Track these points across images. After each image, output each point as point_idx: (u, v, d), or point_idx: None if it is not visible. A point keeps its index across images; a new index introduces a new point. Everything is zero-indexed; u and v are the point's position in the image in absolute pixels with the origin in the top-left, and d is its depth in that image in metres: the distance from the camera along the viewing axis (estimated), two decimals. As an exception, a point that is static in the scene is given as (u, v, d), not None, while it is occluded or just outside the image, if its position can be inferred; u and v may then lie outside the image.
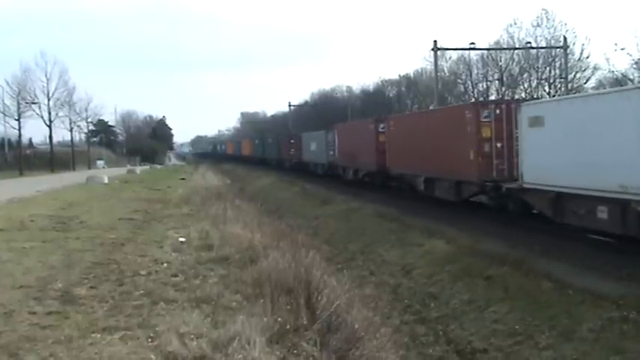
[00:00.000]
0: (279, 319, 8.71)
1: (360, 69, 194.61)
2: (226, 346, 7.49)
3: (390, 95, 77.54)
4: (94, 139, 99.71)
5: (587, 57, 46.62)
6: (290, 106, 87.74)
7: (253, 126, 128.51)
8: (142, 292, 10.27)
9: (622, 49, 40.44)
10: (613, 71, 44.07)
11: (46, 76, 70.31)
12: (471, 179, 21.31)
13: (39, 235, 16.69)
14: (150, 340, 7.77)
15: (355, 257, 19.97)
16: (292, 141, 57.72)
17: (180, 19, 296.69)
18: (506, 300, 12.21)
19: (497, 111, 20.73)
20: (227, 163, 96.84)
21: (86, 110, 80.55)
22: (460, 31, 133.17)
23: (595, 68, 46.24)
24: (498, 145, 20.42)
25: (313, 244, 16.91)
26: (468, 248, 16.15)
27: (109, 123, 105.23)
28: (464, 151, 21.30)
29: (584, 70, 46.85)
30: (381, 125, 31.89)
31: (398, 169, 29.61)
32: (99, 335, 7.91)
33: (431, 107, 49.21)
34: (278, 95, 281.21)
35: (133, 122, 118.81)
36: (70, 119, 77.05)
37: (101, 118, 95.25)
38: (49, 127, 72.07)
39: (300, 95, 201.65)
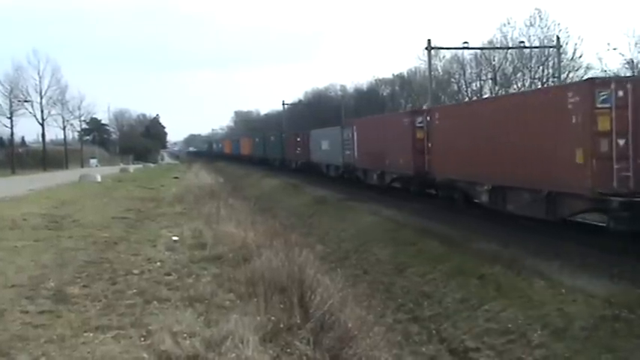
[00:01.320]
0: (273, 317, 8.72)
1: (353, 68, 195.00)
2: (219, 344, 7.50)
3: (384, 94, 77.56)
4: (87, 137, 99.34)
5: (580, 56, 46.87)
6: (284, 104, 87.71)
7: (247, 125, 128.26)
8: (134, 291, 10.26)
9: (614, 48, 40.66)
10: (605, 71, 44.25)
11: (38, 74, 70.28)
12: (577, 190, 14.76)
13: (31, 233, 16.64)
14: (143, 339, 7.77)
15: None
16: (299, 139, 50.68)
17: (174, 18, 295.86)
18: (498, 298, 12.25)
19: (621, 92, 14.11)
20: (224, 162, 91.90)
21: (79, 109, 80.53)
22: (454, 31, 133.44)
23: (588, 68, 46.41)
24: (621, 142, 14.12)
25: (307, 244, 16.90)
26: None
27: (102, 121, 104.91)
28: (564, 151, 15.07)
29: (577, 69, 47.05)
30: (419, 119, 25.50)
31: (445, 173, 22.51)
32: (91, 334, 7.90)
33: (424, 107, 48.89)
34: (272, 94, 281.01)
35: (126, 121, 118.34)
36: (63, 117, 76.98)
37: (94, 116, 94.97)
38: (42, 125, 72.04)
39: (294, 94, 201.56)
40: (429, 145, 24.12)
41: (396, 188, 29.12)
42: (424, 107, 42.05)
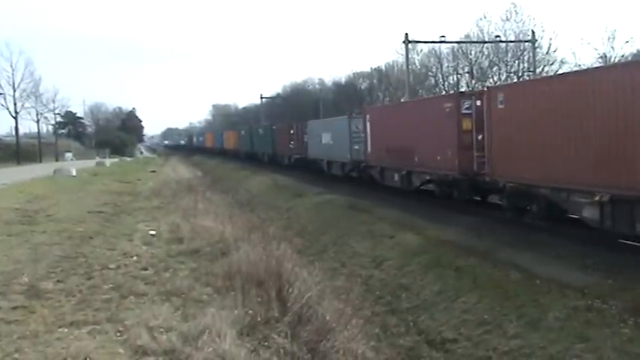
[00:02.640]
0: (250, 311, 8.72)
1: (332, 62, 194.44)
2: (196, 339, 7.49)
3: (362, 88, 77.60)
4: (62, 130, 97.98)
5: (555, 51, 47.23)
6: (262, 98, 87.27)
7: (226, 119, 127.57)
8: (110, 285, 10.20)
9: (588, 43, 41.13)
10: (580, 65, 44.80)
11: (11, 66, 68.98)
12: None
13: (4, 228, 16.42)
14: (119, 334, 7.73)
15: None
16: (292, 131, 44.36)
17: (149, 10, 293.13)
18: (475, 290, 12.35)
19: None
20: (205, 157, 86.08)
21: (53, 102, 79.39)
22: (431, 25, 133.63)
23: (562, 62, 46.89)
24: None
25: (285, 236, 16.88)
26: None
27: (78, 114, 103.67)
28: None
29: (552, 63, 47.42)
30: (466, 103, 19.44)
31: (515, 175, 16.58)
32: (66, 330, 7.84)
33: (402, 100, 48.91)
34: (249, 88, 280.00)
35: (102, 114, 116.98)
36: (37, 111, 75.76)
37: (69, 109, 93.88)
38: (15, 118, 70.82)
39: (272, 88, 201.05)
40: (481, 137, 18.46)
41: (425, 192, 23.75)
42: (402, 100, 40.92)
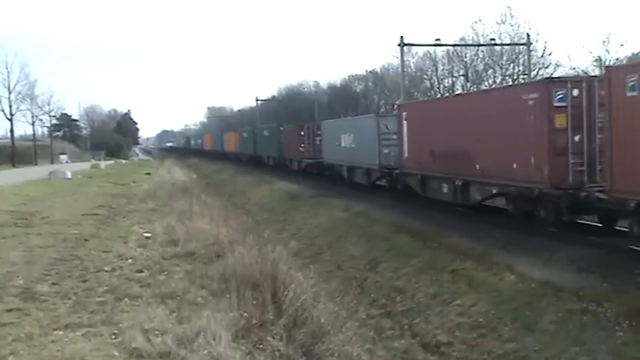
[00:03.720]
0: (245, 314, 8.72)
1: (327, 64, 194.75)
2: (191, 341, 7.47)
3: (357, 90, 77.66)
4: (57, 133, 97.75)
5: (550, 54, 47.39)
6: (257, 100, 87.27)
7: (221, 121, 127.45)
8: (105, 288, 10.16)
9: (583, 46, 41.31)
10: (574, 68, 44.94)
11: (6, 68, 68.77)
12: None
13: (-1, 230, 16.34)
14: (113, 336, 7.70)
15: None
16: (303, 133, 40.49)
17: (142, 11, 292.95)
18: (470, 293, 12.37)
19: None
20: (203, 160, 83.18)
21: (48, 104, 79.31)
22: (426, 28, 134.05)
23: (557, 65, 47.07)
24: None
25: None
26: None
27: (73, 117, 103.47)
28: None
29: (547, 66, 47.60)
30: (559, 93, 15.07)
31: None
32: (61, 332, 7.81)
33: (398, 101, 48.98)
34: (245, 90, 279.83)
35: (97, 116, 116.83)
36: (32, 113, 75.63)
37: (64, 112, 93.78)
38: (10, 120, 70.67)
39: (268, 90, 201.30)
40: (578, 138, 14.76)
41: (488, 207, 19.55)
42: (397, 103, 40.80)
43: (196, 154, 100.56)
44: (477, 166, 18.11)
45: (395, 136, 25.00)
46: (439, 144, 20.65)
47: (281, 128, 47.16)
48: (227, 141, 75.41)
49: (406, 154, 23.52)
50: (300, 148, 40.96)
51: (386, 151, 26.13)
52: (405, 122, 23.71)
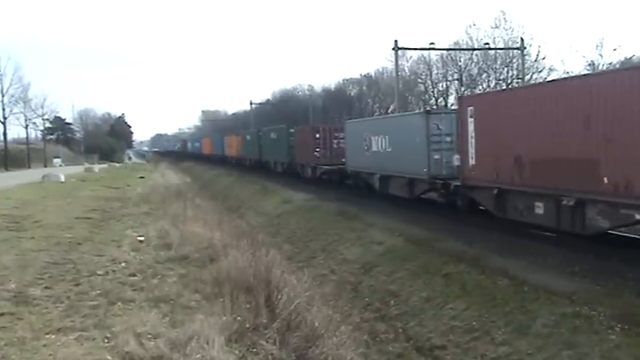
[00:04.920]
0: (239, 317, 8.71)
1: (321, 68, 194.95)
2: (184, 345, 7.46)
3: (352, 94, 77.87)
4: (51, 136, 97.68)
5: (544, 58, 47.74)
6: (251, 104, 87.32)
7: (216, 124, 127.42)
8: (98, 292, 10.14)
9: (576, 50, 41.56)
10: (568, 72, 45.18)
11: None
12: None
13: (-9, 234, 16.27)
14: (106, 340, 7.69)
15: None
16: (318, 135, 35.58)
17: (137, 15, 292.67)
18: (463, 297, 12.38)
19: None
20: (201, 165, 78.36)
21: (42, 107, 79.56)
22: (421, 32, 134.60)
23: (550, 69, 47.35)
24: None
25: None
26: None
27: (66, 120, 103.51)
28: None
29: (541, 71, 47.95)
30: None
31: None
32: (53, 336, 7.79)
33: (391, 107, 48.99)
34: (239, 94, 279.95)
35: (90, 119, 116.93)
36: (26, 116, 75.81)
37: (58, 115, 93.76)
38: (4, 124, 70.87)
39: (262, 94, 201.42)
40: None
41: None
42: (391, 107, 39.34)
43: (195, 158, 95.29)
44: (605, 179, 12.67)
45: (449, 139, 20.41)
46: (531, 147, 15.30)
47: (291, 130, 42.25)
48: (228, 145, 69.81)
49: (472, 162, 18.00)
50: (315, 153, 35.79)
51: (436, 157, 20.88)
52: (470, 120, 18.03)
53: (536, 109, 15.11)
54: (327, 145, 35.20)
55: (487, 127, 17.48)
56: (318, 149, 35.59)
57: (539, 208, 15.16)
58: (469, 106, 18.52)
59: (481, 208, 18.69)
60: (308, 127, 40.06)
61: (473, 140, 18.06)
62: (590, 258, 12.95)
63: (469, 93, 47.37)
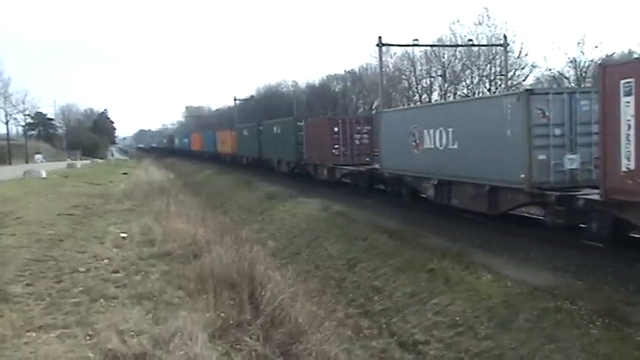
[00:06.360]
0: (222, 314, 8.69)
1: (306, 64, 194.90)
2: (167, 342, 7.43)
3: (336, 90, 77.93)
4: (32, 132, 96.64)
5: (526, 55, 48.04)
6: (235, 100, 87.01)
7: (200, 120, 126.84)
8: (80, 289, 10.08)
9: (558, 47, 41.92)
10: (550, 69, 45.59)
11: (-22, 67, 67.97)
12: None
13: (-29, 231, 16.09)
14: (88, 338, 7.64)
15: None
16: (337, 129, 29.41)
17: (118, 11, 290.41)
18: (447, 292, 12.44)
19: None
20: (189, 162, 72.66)
21: (23, 102, 78.53)
22: (404, 28, 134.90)
23: (533, 66, 47.69)
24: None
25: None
26: None
27: (48, 116, 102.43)
28: None
29: (523, 67, 48.25)
30: None
31: None
32: (34, 334, 7.73)
33: (376, 103, 48.98)
34: (223, 89, 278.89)
35: (73, 115, 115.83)
36: (6, 111, 74.85)
37: (39, 110, 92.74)
38: (-16, 119, 69.76)
39: (246, 90, 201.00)
40: None
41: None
42: (375, 103, 39.23)
43: (182, 156, 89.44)
44: None
45: (558, 131, 14.77)
46: None
47: (299, 123, 35.81)
48: (221, 141, 62.92)
49: (630, 165, 11.58)
50: (334, 150, 29.41)
51: (541, 156, 14.73)
52: (627, 100, 11.68)
53: None
54: (347, 141, 29.32)
55: None
56: (336, 146, 29.45)
57: None
58: (626, 77, 11.86)
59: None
60: (324, 120, 34.61)
61: (632, 131, 11.63)
62: (571, 253, 13.06)
63: (452, 89, 47.58)
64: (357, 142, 29.06)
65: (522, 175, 14.91)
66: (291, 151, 35.81)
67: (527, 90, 16.40)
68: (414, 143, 20.72)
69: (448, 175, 18.63)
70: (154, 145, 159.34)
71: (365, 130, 29.03)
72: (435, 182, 19.33)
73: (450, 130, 18.50)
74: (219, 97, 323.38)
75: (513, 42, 46.43)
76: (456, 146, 18.22)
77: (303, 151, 34.21)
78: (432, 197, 19.72)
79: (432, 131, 19.57)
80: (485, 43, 48.52)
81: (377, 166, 25.32)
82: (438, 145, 19.24)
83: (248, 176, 42.34)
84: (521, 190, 15.21)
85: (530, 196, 15.17)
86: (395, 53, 59.88)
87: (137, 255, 13.11)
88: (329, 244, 18.70)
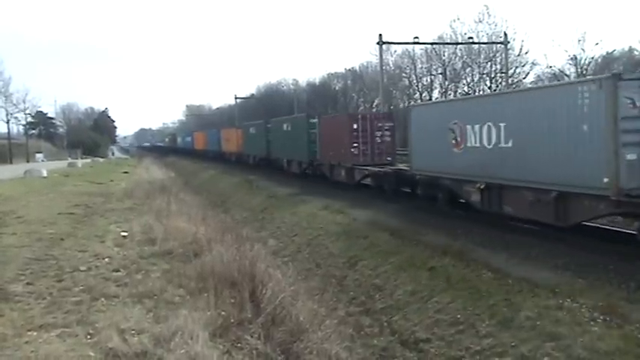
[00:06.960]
0: (223, 312, 8.69)
1: (306, 62, 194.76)
2: (168, 341, 7.43)
3: (336, 88, 77.87)
4: (33, 131, 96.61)
5: (527, 52, 47.97)
6: (236, 98, 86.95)
7: (200, 119, 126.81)
8: (81, 287, 10.07)
9: (559, 45, 41.87)
10: (551, 66, 45.52)
11: (-21, 66, 67.99)
12: None
13: (-28, 231, 16.09)
14: (89, 336, 7.64)
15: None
16: (356, 126, 27.04)
17: (123, 11, 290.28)
18: (448, 290, 12.43)
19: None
20: (193, 162, 70.19)
21: (24, 102, 78.59)
22: (405, 26, 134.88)
23: (533, 64, 47.61)
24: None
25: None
26: None
27: (49, 115, 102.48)
28: None
29: (524, 65, 48.20)
30: None
31: None
32: (35, 333, 7.72)
33: (376, 101, 48.92)
34: (223, 88, 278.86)
35: (73, 114, 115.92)
36: (7, 111, 74.87)
37: (40, 109, 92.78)
38: (-16, 118, 69.78)
39: (246, 88, 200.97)
40: None
41: None
42: (376, 102, 39.30)
43: (185, 154, 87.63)
44: None
45: None
46: None
47: (312, 120, 33.07)
48: (226, 139, 59.93)
49: None
50: (352, 149, 26.84)
51: (631, 156, 12.04)
52: None
53: None
54: (367, 139, 26.78)
55: None
56: (355, 144, 26.85)
57: None
58: None
59: None
60: (342, 116, 32.26)
61: None
62: (572, 250, 13.04)
63: (453, 87, 47.55)
64: (379, 140, 26.78)
65: (605, 180, 12.26)
66: (303, 150, 33.23)
67: (613, 74, 12.89)
68: (453, 141, 18.17)
69: (499, 178, 16.09)
70: (159, 144, 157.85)
71: (387, 127, 26.97)
72: (482, 186, 16.89)
73: (502, 125, 15.94)
74: (220, 96, 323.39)
75: (514, 39, 46.44)
76: (509, 144, 15.66)
77: (316, 150, 31.65)
78: (477, 203, 17.29)
79: (477, 127, 17.04)
80: (485, 40, 48.51)
81: (402, 166, 23.50)
82: (485, 143, 16.71)
83: (255, 176, 39.76)
84: (603, 198, 12.48)
85: (615, 205, 12.35)
86: (395, 51, 59.91)
87: (138, 254, 13.10)
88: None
